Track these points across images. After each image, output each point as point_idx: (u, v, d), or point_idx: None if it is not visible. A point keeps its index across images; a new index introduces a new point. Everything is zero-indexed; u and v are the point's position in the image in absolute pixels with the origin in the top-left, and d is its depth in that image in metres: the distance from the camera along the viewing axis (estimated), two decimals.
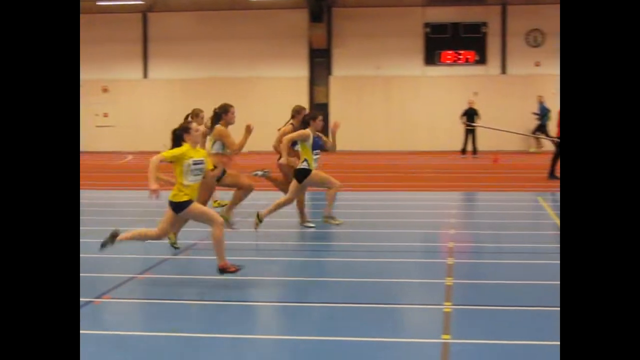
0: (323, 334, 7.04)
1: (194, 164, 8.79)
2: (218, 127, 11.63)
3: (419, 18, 33.85)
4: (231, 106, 11.82)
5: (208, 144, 11.99)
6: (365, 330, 7.11)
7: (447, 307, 7.85)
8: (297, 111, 12.70)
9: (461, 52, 33.61)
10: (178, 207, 8.80)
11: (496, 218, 14.15)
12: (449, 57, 33.73)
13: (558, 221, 13.37)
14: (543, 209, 14.93)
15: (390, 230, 12.89)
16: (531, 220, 13.81)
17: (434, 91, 33.56)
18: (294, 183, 11.83)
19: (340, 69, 34.54)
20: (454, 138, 30.91)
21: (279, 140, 12.23)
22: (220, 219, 8.92)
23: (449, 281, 8.97)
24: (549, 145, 27.27)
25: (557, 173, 20.14)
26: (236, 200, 12.00)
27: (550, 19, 32.27)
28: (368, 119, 33.67)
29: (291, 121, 12.70)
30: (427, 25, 33.73)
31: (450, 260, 10.11)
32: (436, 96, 33.47)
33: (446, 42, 33.59)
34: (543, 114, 30.71)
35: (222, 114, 11.69)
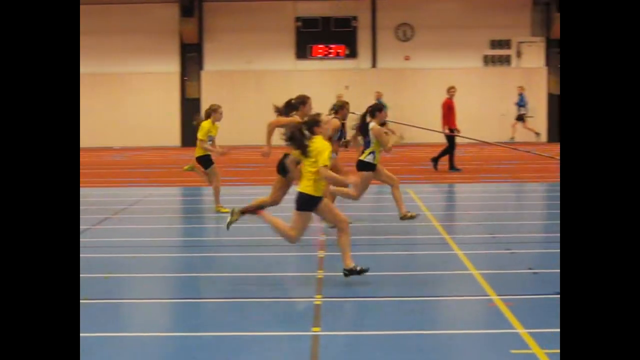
0: (193, 330, 7.00)
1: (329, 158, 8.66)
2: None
3: (290, 12, 33.96)
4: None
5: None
6: (235, 325, 7.10)
7: (318, 299, 7.92)
8: (340, 106, 12.72)
9: (332, 46, 33.89)
10: (313, 201, 8.58)
11: (371, 210, 14.32)
12: (320, 51, 33.96)
13: (428, 213, 13.65)
14: (412, 200, 15.21)
15: (263, 225, 12.86)
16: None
17: (306, 85, 33.62)
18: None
19: (212, 64, 34.35)
20: None
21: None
22: (346, 222, 8.74)
23: (320, 274, 9.05)
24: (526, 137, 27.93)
25: (455, 164, 20.65)
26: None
27: (420, 13, 32.90)
28: (240, 114, 33.56)
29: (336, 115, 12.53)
30: (298, 19, 33.88)
31: (321, 254, 10.19)
32: (308, 90, 33.22)
33: (317, 36, 33.82)
34: (522, 104, 30.96)
35: (301, 104, 11.58)
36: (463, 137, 21.33)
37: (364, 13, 33.79)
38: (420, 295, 8.15)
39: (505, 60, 32.73)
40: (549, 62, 32.52)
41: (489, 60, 32.78)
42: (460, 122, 21.22)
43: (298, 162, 8.94)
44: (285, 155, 11.11)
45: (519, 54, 32.57)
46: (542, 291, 8.30)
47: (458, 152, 21.33)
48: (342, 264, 8.68)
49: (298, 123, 9.11)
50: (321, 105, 33.22)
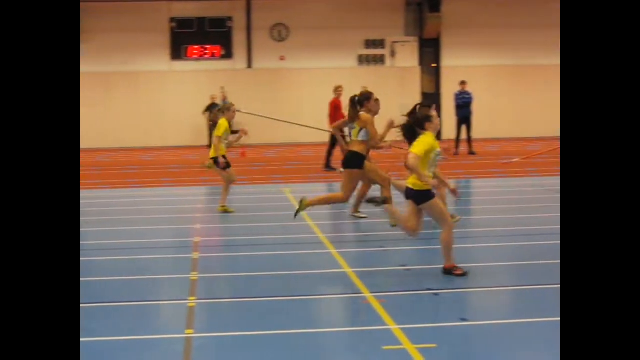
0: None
1: (437, 154, 8.67)
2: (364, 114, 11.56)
3: (165, 13, 33.54)
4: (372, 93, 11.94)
5: (354, 131, 11.71)
6: (107, 330, 6.96)
7: (192, 301, 7.84)
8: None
9: (207, 46, 33.64)
10: (422, 195, 8.55)
11: (244, 211, 14.27)
12: (196, 51, 33.66)
13: (303, 212, 13.68)
14: (287, 200, 15.24)
15: (135, 227, 12.69)
16: (280, 212, 14.03)
17: (181, 86, 33.38)
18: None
19: (87, 65, 33.56)
20: (201, 134, 31.06)
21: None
22: (452, 223, 8.75)
23: (194, 276, 8.96)
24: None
25: (332, 164, 20.73)
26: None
27: (295, 14, 33.01)
28: (115, 116, 32.97)
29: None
30: (173, 20, 33.48)
31: (195, 255, 10.10)
32: (183, 91, 33.30)
33: (192, 37, 33.50)
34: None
35: (366, 100, 11.69)
36: (346, 136, 21.51)
37: (239, 13, 33.66)
38: (294, 295, 8.16)
39: (379, 60, 33.17)
40: (422, 61, 33.13)
41: (363, 60, 33.16)
42: (326, 119, 21.40)
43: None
44: (351, 153, 11.53)
45: (393, 54, 33.06)
46: (413, 288, 8.43)
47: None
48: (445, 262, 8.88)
49: (411, 118, 9.11)
50: (197, 108, 32.86)
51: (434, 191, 8.77)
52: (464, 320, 7.12)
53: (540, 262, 9.56)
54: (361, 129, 11.61)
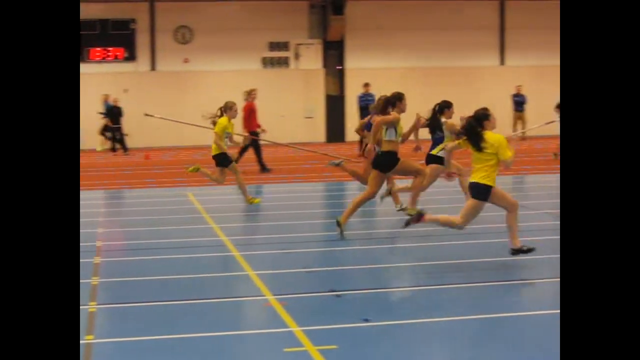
0: None
1: None
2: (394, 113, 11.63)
3: None
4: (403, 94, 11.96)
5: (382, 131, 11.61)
6: None
7: (92, 307, 7.74)
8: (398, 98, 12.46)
9: (110, 48, 33.15)
10: (488, 190, 9.03)
11: (147, 214, 14.13)
12: (98, 54, 33.13)
13: (206, 215, 13.62)
14: (191, 204, 15.15)
15: None
16: (182, 215, 13.94)
17: (84, 89, 32.77)
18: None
19: None
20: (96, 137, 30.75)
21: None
22: (516, 204, 9.27)
23: (95, 280, 8.84)
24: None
25: (267, 165, 20.74)
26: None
27: (198, 16, 32.79)
28: None
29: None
30: None
31: (97, 260, 9.96)
32: (86, 94, 32.73)
33: (95, 38, 32.95)
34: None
35: (397, 100, 11.74)
36: (264, 140, 21.66)
37: (142, 15, 33.27)
38: (196, 298, 8.11)
39: (283, 62, 33.22)
40: (326, 63, 33.31)
41: (267, 62, 33.16)
42: (241, 123, 21.37)
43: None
44: (381, 152, 11.55)
45: (297, 56, 33.16)
46: (316, 289, 8.48)
47: (249, 154, 21.44)
48: (510, 243, 9.41)
49: (465, 118, 9.35)
50: (101, 109, 32.18)
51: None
52: (366, 321, 7.18)
53: (444, 262, 9.73)
54: (388, 129, 11.62)
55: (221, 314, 7.81)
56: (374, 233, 12.42)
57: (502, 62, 34.09)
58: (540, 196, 16.00)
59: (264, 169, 20.97)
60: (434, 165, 12.69)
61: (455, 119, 12.36)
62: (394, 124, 11.53)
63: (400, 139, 11.69)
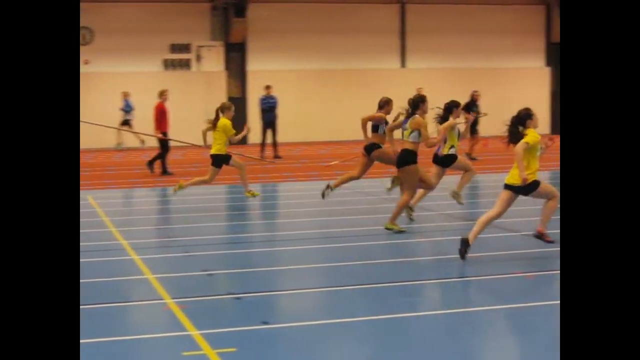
0: None
1: (541, 149, 9.73)
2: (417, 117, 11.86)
3: None
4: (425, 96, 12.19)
5: (405, 132, 11.93)
6: None
7: None
8: (385, 102, 13.42)
9: None
10: (533, 185, 9.60)
11: None
12: None
13: (105, 219, 13.42)
14: (91, 207, 14.92)
15: None
16: (81, 218, 13.69)
17: None
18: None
19: None
20: None
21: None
22: (558, 194, 9.79)
23: None
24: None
25: (168, 168, 20.50)
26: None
27: (99, 17, 32.26)
28: None
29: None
30: None
31: None
32: None
33: None
34: (127, 110, 30.30)
35: (421, 102, 12.00)
36: (175, 140, 21.52)
37: None
38: (94, 303, 7.97)
39: (185, 65, 32.95)
40: (228, 65, 33.19)
41: (169, 64, 32.84)
42: (141, 124, 21.17)
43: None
44: (404, 151, 11.85)
45: (198, 58, 32.94)
46: (215, 292, 8.45)
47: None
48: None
49: (513, 117, 9.74)
50: None
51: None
52: (265, 323, 7.19)
53: (347, 263, 9.81)
54: (413, 131, 11.81)
55: (119, 318, 7.71)
56: (276, 235, 12.44)
57: (402, 64, 34.53)
58: (440, 197, 16.25)
59: (165, 172, 20.78)
60: (439, 167, 12.98)
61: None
62: (418, 127, 11.77)
63: (423, 142, 11.91)
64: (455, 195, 13.32)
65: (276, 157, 25.22)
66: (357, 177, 13.74)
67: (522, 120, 9.64)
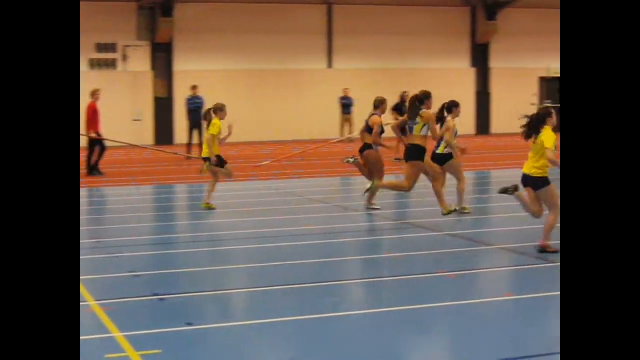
0: None
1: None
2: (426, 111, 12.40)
3: None
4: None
5: (416, 127, 12.49)
6: None
7: None
8: (380, 102, 13.86)
9: None
10: (541, 181, 9.91)
11: None
12: None
13: None
14: None
15: None
16: None
17: None
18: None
19: None
20: None
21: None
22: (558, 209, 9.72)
23: None
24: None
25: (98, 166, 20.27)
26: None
27: None
28: None
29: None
30: None
31: None
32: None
33: None
34: None
35: (426, 99, 12.54)
36: (108, 139, 21.28)
37: None
38: None
39: (111, 64, 32.56)
40: (154, 65, 32.91)
41: (95, 64, 32.43)
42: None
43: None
44: (413, 146, 12.40)
45: (125, 58, 32.60)
46: (140, 293, 8.39)
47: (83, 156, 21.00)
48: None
49: (533, 115, 10.19)
50: None
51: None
52: (189, 324, 7.18)
53: (273, 264, 9.84)
54: (424, 125, 12.41)
55: None
56: (204, 236, 12.39)
57: (330, 65, 34.67)
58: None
59: (96, 171, 20.53)
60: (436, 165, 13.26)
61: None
62: (411, 123, 12.52)
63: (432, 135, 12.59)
64: (461, 210, 13.29)
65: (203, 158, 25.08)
66: (370, 178, 13.94)
67: (542, 118, 10.02)
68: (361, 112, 31.47)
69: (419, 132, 12.48)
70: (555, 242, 9.78)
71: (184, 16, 32.44)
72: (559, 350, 6.50)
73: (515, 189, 10.31)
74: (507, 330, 7.19)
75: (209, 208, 14.34)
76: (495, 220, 13.37)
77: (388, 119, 24.51)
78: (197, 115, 25.42)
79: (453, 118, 13.20)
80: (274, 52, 33.65)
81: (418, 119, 12.43)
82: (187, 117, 25.74)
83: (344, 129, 31.29)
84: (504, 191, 10.53)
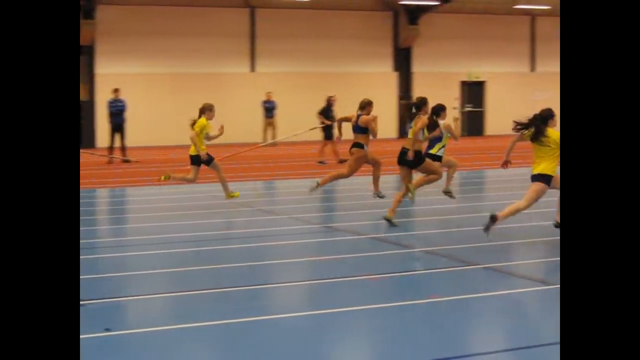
0: None
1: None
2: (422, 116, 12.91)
3: None
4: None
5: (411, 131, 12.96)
6: None
7: None
8: (367, 103, 14.14)
9: None
10: (550, 178, 10.41)
11: None
12: None
13: None
14: None
15: None
16: None
17: None
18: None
19: None
20: None
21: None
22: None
23: None
24: None
25: None
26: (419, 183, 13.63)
27: None
28: None
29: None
30: None
31: None
32: None
33: None
34: None
35: (423, 104, 13.03)
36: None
37: None
38: None
39: None
40: None
41: None
42: None
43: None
44: (403, 149, 12.81)
45: None
46: None
47: None
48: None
49: (536, 115, 10.64)
50: None
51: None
52: (107, 330, 7.04)
53: (195, 267, 9.75)
54: (420, 129, 12.88)
55: None
56: (123, 241, 12.22)
57: (252, 68, 34.59)
58: (289, 201, 16.37)
59: None
60: (433, 163, 13.60)
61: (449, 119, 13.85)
62: (424, 126, 12.84)
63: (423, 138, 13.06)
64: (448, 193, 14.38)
65: (125, 160, 24.79)
66: (347, 176, 14.53)
67: (545, 119, 10.46)
68: (284, 116, 31.68)
69: (412, 136, 12.94)
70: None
71: (106, 18, 32.02)
72: (485, 351, 6.62)
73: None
74: (434, 331, 7.21)
75: (233, 197, 15.05)
76: (420, 224, 13.46)
77: (315, 123, 24.61)
78: (119, 118, 25.12)
79: (442, 120, 13.62)
80: (197, 56, 33.45)
81: (412, 123, 12.91)
82: (108, 120, 25.41)
83: (266, 132, 31.24)
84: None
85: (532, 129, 10.51)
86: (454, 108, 35.10)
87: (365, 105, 14.10)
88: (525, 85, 37.21)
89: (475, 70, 37.18)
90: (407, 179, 12.99)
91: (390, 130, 34.27)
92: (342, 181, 18.26)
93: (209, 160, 14.87)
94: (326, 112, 24.15)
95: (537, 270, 9.77)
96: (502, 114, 32.75)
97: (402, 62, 36.31)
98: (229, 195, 15.04)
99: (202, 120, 14.79)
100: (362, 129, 13.88)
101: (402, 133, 35.76)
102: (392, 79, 36.33)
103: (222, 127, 14.94)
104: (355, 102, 14.13)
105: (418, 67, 36.60)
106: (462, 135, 36.32)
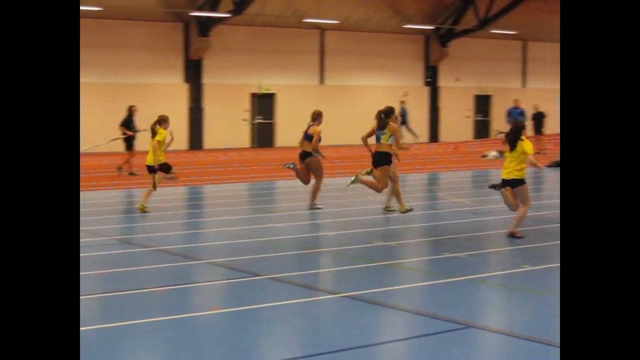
0: None
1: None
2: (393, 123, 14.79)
3: None
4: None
5: (383, 137, 14.78)
6: None
7: None
8: (317, 114, 15.85)
9: None
10: (520, 181, 12.39)
11: None
12: None
13: None
14: None
15: None
16: None
17: None
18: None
19: None
20: None
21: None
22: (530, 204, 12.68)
23: None
24: None
25: None
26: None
27: None
28: None
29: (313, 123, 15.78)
30: None
31: None
32: None
33: None
34: None
35: (391, 113, 14.90)
36: None
37: None
38: None
39: None
40: None
41: None
42: None
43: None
44: (380, 153, 14.59)
45: None
46: None
47: None
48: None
49: (513, 127, 12.75)
50: None
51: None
52: None
53: (121, 270, 9.88)
54: (391, 135, 14.63)
55: None
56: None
57: None
58: (87, 213, 16.11)
59: None
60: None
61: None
62: (379, 132, 14.69)
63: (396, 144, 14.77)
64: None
65: None
66: (306, 182, 15.99)
67: (521, 130, 12.55)
68: (84, 126, 30.90)
69: (386, 141, 14.70)
70: (523, 228, 12.75)
71: None
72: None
73: (502, 186, 12.42)
74: (218, 343, 7.31)
75: (143, 211, 15.37)
76: (207, 235, 13.56)
77: (117, 133, 24.17)
78: None
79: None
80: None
81: (385, 130, 14.61)
82: None
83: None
84: (493, 187, 12.69)
85: (509, 141, 12.38)
86: (244, 120, 35.50)
87: (317, 117, 15.67)
88: (315, 97, 38.02)
89: (266, 83, 37.69)
90: (383, 178, 14.54)
91: (181, 142, 34.14)
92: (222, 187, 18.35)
93: (167, 169, 15.68)
94: (127, 122, 23.96)
95: (321, 279, 10.09)
96: (292, 126, 33.31)
97: (193, 73, 36.23)
98: (142, 207, 15.54)
99: (163, 130, 15.59)
100: (311, 137, 15.47)
101: (193, 145, 35.77)
102: (183, 91, 36.18)
103: (172, 133, 15.71)
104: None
105: (209, 79, 36.63)
106: (253, 147, 36.79)
